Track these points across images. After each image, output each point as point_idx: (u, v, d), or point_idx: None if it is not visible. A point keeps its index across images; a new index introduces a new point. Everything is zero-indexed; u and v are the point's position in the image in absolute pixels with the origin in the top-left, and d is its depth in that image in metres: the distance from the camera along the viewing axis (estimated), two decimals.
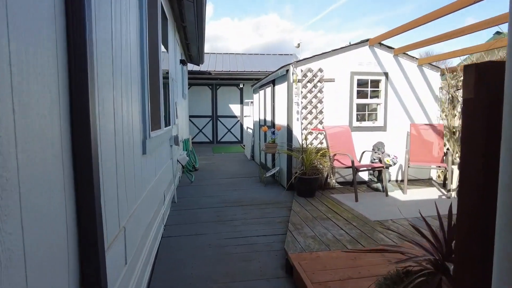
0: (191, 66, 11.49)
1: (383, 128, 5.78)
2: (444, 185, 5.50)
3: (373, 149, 5.52)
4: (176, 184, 5.39)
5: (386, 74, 5.68)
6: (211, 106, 13.30)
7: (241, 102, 13.43)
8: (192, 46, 8.13)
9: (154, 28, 3.46)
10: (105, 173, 1.54)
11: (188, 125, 10.87)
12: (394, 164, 5.31)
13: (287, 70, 5.33)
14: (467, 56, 9.71)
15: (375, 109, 5.99)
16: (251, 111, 10.64)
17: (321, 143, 5.49)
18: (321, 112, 5.47)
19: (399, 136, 5.85)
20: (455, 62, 5.47)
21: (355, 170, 4.84)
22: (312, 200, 4.78)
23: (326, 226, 3.70)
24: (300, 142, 5.38)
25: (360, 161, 5.49)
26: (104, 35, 1.57)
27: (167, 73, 4.72)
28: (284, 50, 15.87)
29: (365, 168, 5.07)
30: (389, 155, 5.35)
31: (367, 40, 5.53)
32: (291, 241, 3.27)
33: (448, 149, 5.54)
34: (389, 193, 5.04)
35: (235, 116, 13.49)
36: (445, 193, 5.05)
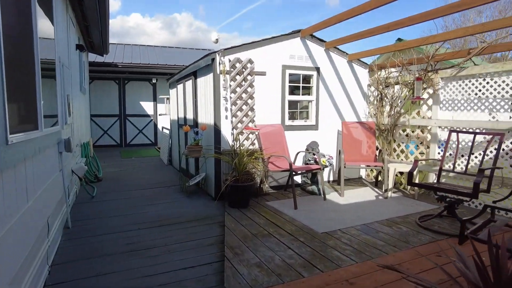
0: (93, 57, 9.76)
1: (315, 127, 5.41)
2: (376, 184, 5.38)
3: (307, 150, 5.11)
4: (70, 202, 4.12)
5: (318, 69, 5.32)
6: (118, 104, 11.57)
7: (155, 99, 12.03)
8: (94, 30, 6.69)
9: None
10: None
11: (89, 125, 9.16)
12: (330, 164, 4.98)
13: (213, 59, 4.53)
14: (378, 55, 10.33)
15: (307, 107, 5.61)
16: (167, 109, 9.49)
17: (252, 144, 4.84)
18: (252, 109, 4.81)
19: (331, 135, 5.56)
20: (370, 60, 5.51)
21: (293, 173, 4.32)
22: (247, 212, 4.09)
23: (270, 246, 3.03)
24: (231, 144, 4.63)
25: (294, 163, 5.01)
26: None
27: (54, 56, 3.46)
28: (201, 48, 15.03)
29: (303, 171, 4.59)
30: (324, 156, 4.99)
31: (299, 31, 5.08)
32: (232, 274, 2.51)
33: (377, 147, 5.45)
34: (327, 196, 4.66)
35: (147, 115, 12.02)
36: (381, 193, 4.88)
